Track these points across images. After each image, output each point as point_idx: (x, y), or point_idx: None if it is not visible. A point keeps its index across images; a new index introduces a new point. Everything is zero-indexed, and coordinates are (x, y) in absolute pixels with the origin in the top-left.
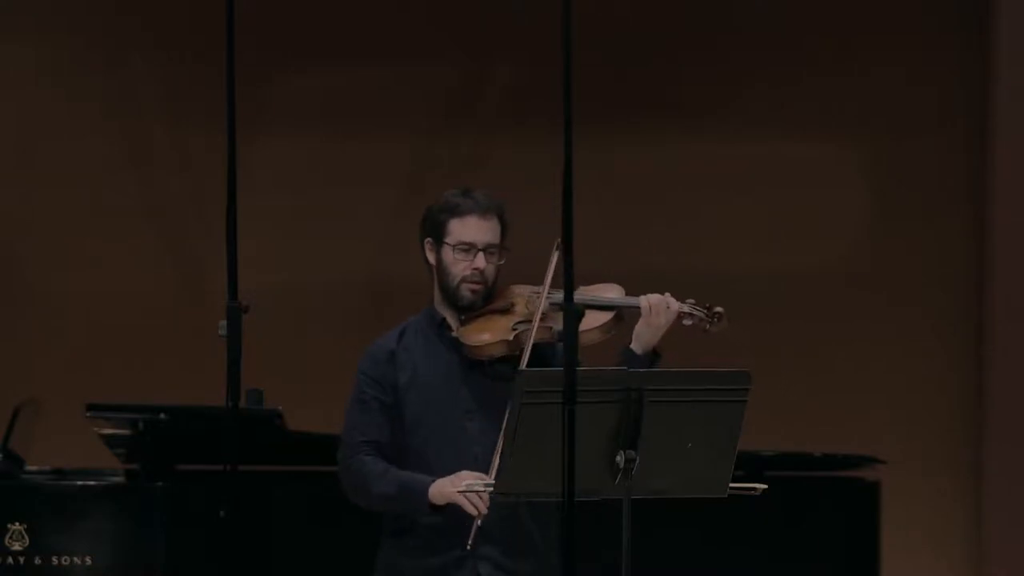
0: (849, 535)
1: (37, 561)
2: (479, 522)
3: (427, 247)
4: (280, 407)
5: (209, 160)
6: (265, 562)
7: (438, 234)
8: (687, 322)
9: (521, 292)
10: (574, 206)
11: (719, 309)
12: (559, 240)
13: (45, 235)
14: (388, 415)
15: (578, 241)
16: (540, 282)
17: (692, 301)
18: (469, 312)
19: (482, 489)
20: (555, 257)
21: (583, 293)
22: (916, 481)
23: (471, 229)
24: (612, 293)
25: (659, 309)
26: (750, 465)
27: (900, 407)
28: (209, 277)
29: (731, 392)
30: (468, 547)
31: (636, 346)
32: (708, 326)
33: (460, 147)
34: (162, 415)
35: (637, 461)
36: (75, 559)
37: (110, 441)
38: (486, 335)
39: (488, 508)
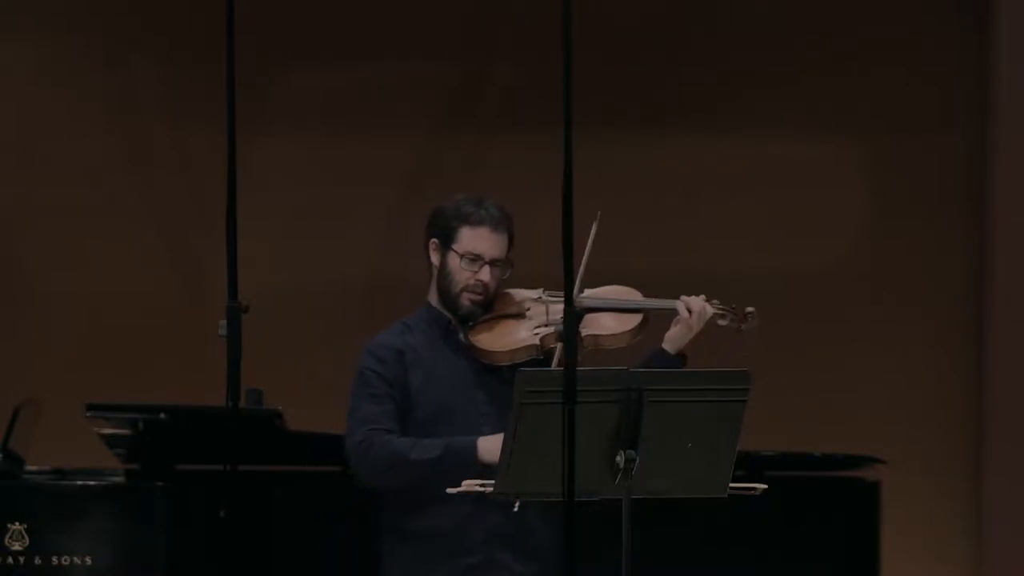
0: (849, 535)
1: (37, 561)
2: None
3: (432, 247)
4: (280, 407)
5: (209, 160)
6: (265, 562)
7: (447, 238)
8: (721, 322)
9: (526, 296)
10: (574, 206)
11: (750, 309)
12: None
13: (45, 235)
14: (400, 413)
15: (578, 241)
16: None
17: (716, 302)
18: (468, 319)
19: (480, 490)
20: (587, 251)
21: (608, 296)
22: (916, 481)
23: (482, 241)
24: (631, 297)
25: (699, 312)
26: (750, 465)
27: (900, 407)
28: (209, 277)
29: (731, 392)
30: (515, 508)
31: (670, 347)
32: (741, 325)
33: (460, 147)
34: (162, 415)
35: (637, 461)
36: (75, 559)
37: (110, 441)
38: (510, 340)
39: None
